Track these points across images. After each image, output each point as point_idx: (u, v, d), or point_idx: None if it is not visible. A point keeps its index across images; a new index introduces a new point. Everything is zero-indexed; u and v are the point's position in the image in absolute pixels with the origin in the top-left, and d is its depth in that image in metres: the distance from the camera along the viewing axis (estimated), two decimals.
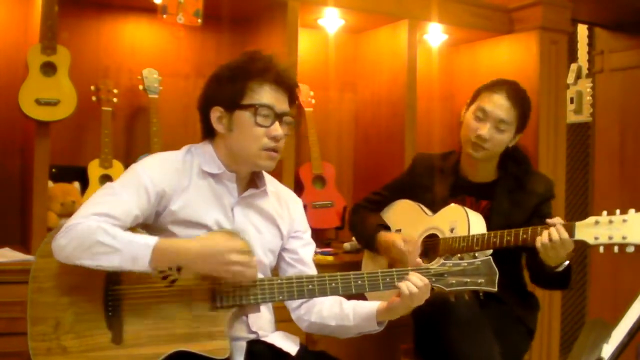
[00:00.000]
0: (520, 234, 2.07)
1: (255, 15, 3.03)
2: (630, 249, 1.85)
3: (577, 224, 1.94)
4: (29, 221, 2.47)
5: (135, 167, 1.76)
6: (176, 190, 1.74)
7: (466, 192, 2.39)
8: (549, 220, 2.00)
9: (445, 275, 1.74)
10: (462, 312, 2.06)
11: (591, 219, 1.92)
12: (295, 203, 1.97)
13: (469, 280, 1.74)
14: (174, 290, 1.67)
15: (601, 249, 1.90)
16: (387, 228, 2.45)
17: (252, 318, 1.79)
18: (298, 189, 3.07)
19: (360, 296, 1.86)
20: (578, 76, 4.31)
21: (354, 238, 2.78)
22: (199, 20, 2.65)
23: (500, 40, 3.39)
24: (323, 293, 1.72)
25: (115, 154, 2.75)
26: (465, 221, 2.22)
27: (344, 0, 2.97)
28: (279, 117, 1.76)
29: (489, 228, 2.23)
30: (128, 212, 1.66)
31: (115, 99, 2.77)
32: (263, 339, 1.80)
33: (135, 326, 1.64)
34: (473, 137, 2.28)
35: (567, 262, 2.04)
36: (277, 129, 1.76)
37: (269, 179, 1.90)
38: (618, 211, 1.88)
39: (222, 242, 1.63)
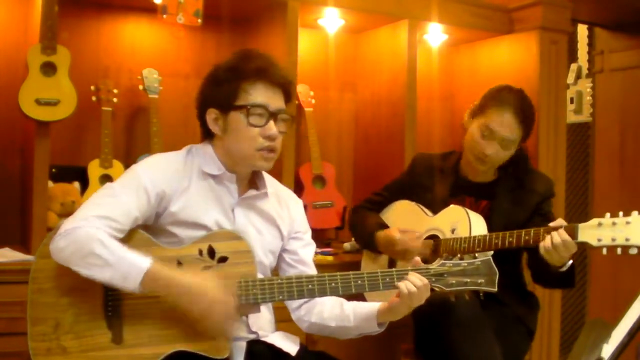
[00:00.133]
0: (523, 235, 2.05)
1: (255, 15, 3.03)
2: (634, 251, 1.83)
3: (580, 225, 1.92)
4: (29, 221, 2.47)
5: (135, 168, 1.76)
6: (176, 191, 1.74)
7: (466, 192, 2.39)
8: (551, 224, 1.99)
9: (445, 276, 1.74)
10: (462, 313, 2.06)
11: (594, 221, 1.90)
12: (295, 204, 1.97)
13: (469, 280, 1.74)
14: None
15: (604, 251, 1.88)
16: (386, 228, 2.44)
17: (252, 318, 1.79)
18: (298, 189, 3.07)
19: (360, 296, 1.86)
20: (578, 76, 4.30)
21: (353, 239, 2.78)
22: (199, 20, 2.65)
23: (500, 40, 3.39)
24: (323, 293, 1.72)
25: (115, 154, 2.75)
26: (466, 222, 2.22)
27: (344, 0, 2.97)
28: (273, 115, 1.75)
29: (489, 228, 2.23)
30: (128, 214, 1.66)
31: (115, 99, 2.77)
32: (263, 339, 1.80)
33: (135, 326, 1.64)
34: (479, 153, 2.29)
35: (570, 262, 2.03)
36: (272, 127, 1.74)
37: (269, 180, 1.90)
38: (621, 213, 1.86)
39: (213, 291, 1.59)
